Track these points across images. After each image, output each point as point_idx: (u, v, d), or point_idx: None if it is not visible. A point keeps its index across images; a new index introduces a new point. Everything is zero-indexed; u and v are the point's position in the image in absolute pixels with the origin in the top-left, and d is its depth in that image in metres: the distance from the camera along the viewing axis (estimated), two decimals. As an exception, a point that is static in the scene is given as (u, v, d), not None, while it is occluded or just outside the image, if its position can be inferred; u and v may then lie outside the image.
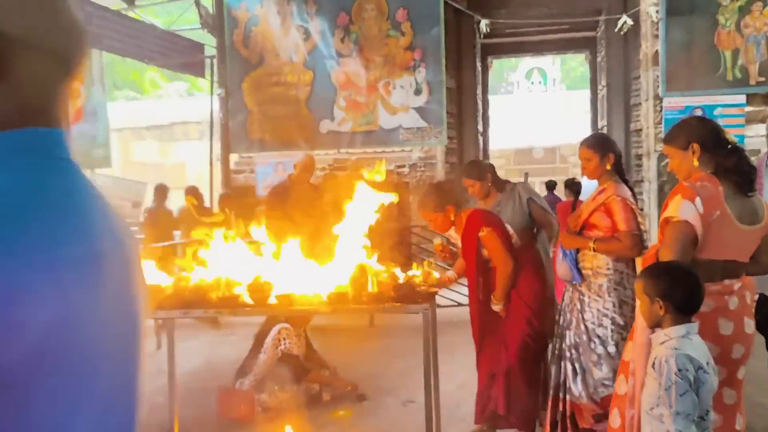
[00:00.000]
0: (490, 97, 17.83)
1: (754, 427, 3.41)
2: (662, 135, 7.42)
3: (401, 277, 2.66)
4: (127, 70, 26.44)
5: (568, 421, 3.31)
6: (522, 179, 11.84)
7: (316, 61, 8.86)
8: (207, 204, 7.95)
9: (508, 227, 3.70)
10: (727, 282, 2.36)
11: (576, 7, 9.90)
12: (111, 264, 0.73)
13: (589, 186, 3.43)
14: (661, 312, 2.04)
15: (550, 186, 11.76)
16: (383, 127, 8.67)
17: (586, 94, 13.61)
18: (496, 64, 25.03)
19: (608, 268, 3.19)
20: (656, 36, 8.08)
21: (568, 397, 3.32)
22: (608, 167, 3.25)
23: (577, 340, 3.28)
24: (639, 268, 2.60)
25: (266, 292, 2.35)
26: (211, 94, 8.81)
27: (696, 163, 2.45)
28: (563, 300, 3.43)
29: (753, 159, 3.37)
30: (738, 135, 7.82)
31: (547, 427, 3.37)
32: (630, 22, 8.59)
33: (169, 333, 3.19)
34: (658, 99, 8.15)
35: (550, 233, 4.03)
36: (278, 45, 8.93)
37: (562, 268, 3.27)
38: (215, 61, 8.60)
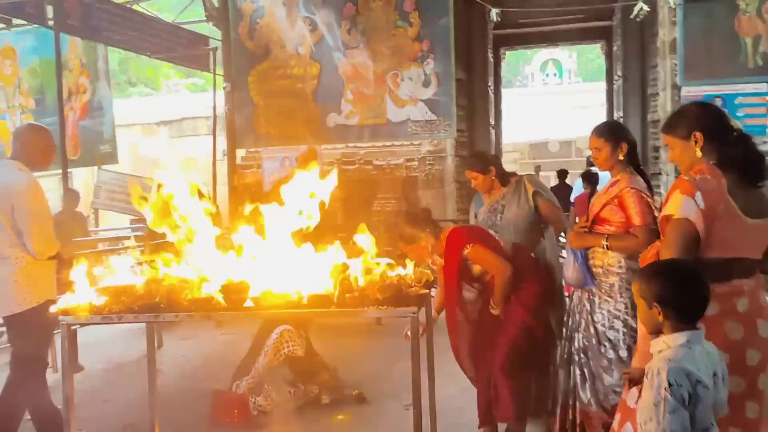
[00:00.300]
0: (505, 90, 17.60)
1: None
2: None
3: (393, 274, 2.47)
4: (142, 66, 26.54)
5: (577, 429, 3.11)
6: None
7: (322, 53, 8.67)
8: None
9: (492, 232, 3.51)
10: (735, 282, 2.16)
11: (591, -6, 9.61)
12: None
13: (607, 177, 3.18)
14: (660, 318, 1.82)
15: (562, 175, 11.51)
16: (391, 120, 8.47)
17: (603, 85, 13.27)
18: (510, 57, 24.69)
19: (620, 266, 2.97)
20: (674, 22, 7.77)
21: (577, 404, 3.11)
22: (621, 157, 3.01)
23: (586, 343, 3.07)
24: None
25: (241, 293, 2.18)
26: (214, 88, 8.66)
27: (699, 153, 2.26)
28: (572, 300, 3.22)
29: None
30: (760, 125, 7.51)
31: (556, 435, 3.18)
32: (646, 8, 8.28)
33: (149, 335, 3.03)
34: (676, 88, 7.85)
35: (559, 228, 3.81)
36: (284, 37, 8.76)
37: (571, 271, 3.05)
38: (218, 54, 8.43)
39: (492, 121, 10.79)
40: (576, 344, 3.13)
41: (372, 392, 4.34)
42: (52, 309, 2.31)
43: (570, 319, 3.21)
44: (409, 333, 3.40)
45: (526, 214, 3.73)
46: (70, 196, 8.11)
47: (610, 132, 3.09)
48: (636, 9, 8.44)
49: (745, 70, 7.49)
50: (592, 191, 6.91)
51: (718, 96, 7.45)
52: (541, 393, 3.65)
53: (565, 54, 21.91)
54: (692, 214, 2.10)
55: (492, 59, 10.93)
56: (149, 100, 15.73)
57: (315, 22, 8.65)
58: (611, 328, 2.98)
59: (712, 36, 7.56)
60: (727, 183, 2.16)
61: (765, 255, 2.24)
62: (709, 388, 1.72)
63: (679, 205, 2.13)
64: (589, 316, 3.05)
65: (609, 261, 2.98)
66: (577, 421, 3.09)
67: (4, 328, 6.08)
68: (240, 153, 9.58)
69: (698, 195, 2.11)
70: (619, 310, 2.97)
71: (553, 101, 20.01)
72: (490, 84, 10.62)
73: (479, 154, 4.19)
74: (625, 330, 2.95)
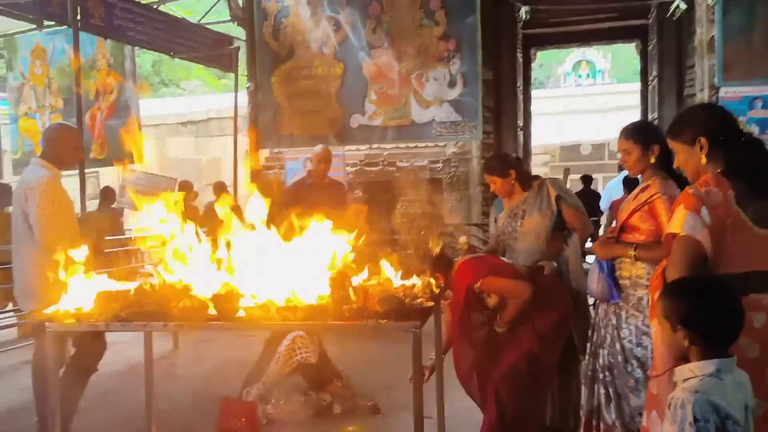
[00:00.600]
0: (535, 91, 17.25)
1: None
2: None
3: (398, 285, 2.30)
4: (175, 68, 26.86)
5: (601, 451, 2.90)
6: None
7: (346, 53, 8.56)
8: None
9: (505, 259, 3.31)
10: (753, 296, 1.97)
11: (625, -8, 9.31)
12: None
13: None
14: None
15: (587, 180, 11.16)
16: (416, 121, 8.30)
17: (637, 87, 12.86)
18: (542, 57, 24.24)
19: (649, 279, 2.74)
20: (712, 21, 7.43)
21: (601, 424, 2.90)
22: (652, 160, 2.79)
23: (612, 360, 2.86)
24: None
25: (234, 303, 2.05)
26: (236, 88, 8.60)
27: (704, 160, 2.12)
28: (597, 313, 3.01)
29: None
30: (804, 128, 7.12)
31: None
32: (684, 6, 7.96)
33: (147, 340, 2.93)
34: (714, 89, 7.51)
35: (583, 236, 3.59)
36: (308, 37, 8.67)
37: (595, 283, 2.84)
38: (240, 54, 8.37)
39: (520, 123, 10.52)
40: (601, 361, 2.92)
41: (386, 402, 4.18)
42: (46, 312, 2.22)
43: (595, 333, 3.00)
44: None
45: (548, 220, 3.53)
46: (106, 194, 8.15)
47: (640, 133, 2.87)
48: (673, 7, 8.12)
49: (788, 70, 7.12)
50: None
51: (757, 97, 7.11)
52: (563, 410, 3.46)
53: (599, 54, 21.40)
54: (698, 231, 1.97)
55: (521, 59, 10.66)
56: (177, 101, 15.83)
57: (339, 22, 8.54)
58: (639, 345, 2.77)
59: (752, 34, 7.20)
60: (736, 192, 2.00)
61: None
62: (740, 425, 1.51)
63: (683, 221, 2.00)
64: (615, 332, 2.84)
65: (637, 272, 2.77)
66: (601, 443, 2.89)
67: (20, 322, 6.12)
68: (264, 154, 9.52)
69: (704, 211, 1.98)
70: (648, 326, 2.75)
71: (585, 103, 19.56)
72: (518, 85, 10.36)
73: (499, 157, 3.99)
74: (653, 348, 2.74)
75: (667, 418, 1.59)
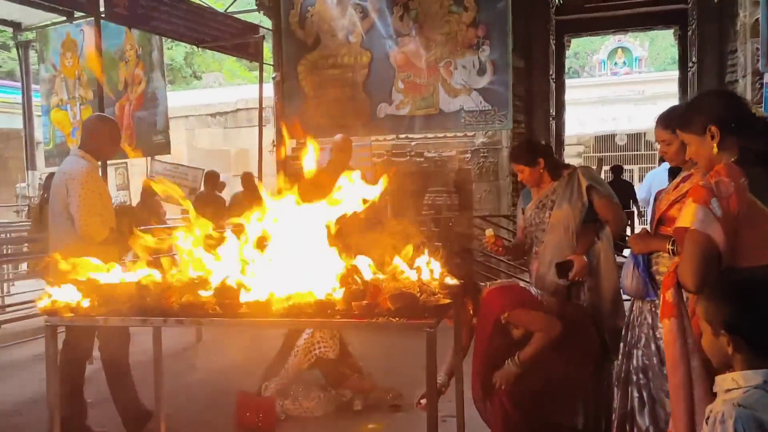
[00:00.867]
0: (570, 80, 16.80)
1: None
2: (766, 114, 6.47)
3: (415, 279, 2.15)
4: (207, 59, 27.08)
5: (634, 457, 2.72)
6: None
7: (373, 42, 8.39)
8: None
9: (533, 290, 3.14)
10: None
11: (663, -26, 8.93)
12: None
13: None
14: (729, 349, 1.44)
15: (617, 171, 10.79)
16: (444, 111, 8.10)
17: (676, 75, 12.39)
18: (577, 46, 23.73)
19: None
20: (756, 3, 7.05)
21: (635, 430, 2.71)
22: (695, 150, 2.59)
23: (647, 362, 2.67)
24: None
25: (236, 298, 1.93)
26: (260, 78, 8.52)
27: (716, 150, 2.00)
28: (631, 311, 2.81)
29: None
30: None
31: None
32: (726, -12, 7.58)
33: (155, 333, 2.84)
34: (757, 75, 7.14)
35: (617, 228, 3.39)
36: (335, 25, 8.53)
37: (630, 279, 2.65)
38: (265, 43, 8.28)
39: (553, 112, 10.22)
40: (635, 362, 2.73)
41: (408, 399, 4.03)
42: (40, 305, 2.14)
43: (629, 332, 2.80)
44: (422, 401, 3.17)
45: (578, 212, 3.34)
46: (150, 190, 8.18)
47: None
48: (714, -12, 7.75)
49: (838, 54, 6.71)
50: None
51: (806, 82, 6.72)
52: (596, 413, 3.28)
53: (635, 42, 20.77)
54: (709, 225, 1.87)
55: (554, 46, 10.35)
56: (205, 92, 15.88)
57: (366, 9, 8.38)
58: (675, 345, 2.57)
59: (801, 16, 6.80)
60: (751, 180, 1.88)
61: None
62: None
63: (693, 215, 1.90)
64: (651, 331, 2.65)
65: (675, 268, 2.56)
66: (634, 449, 2.70)
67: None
68: (290, 144, 9.44)
69: (714, 203, 1.87)
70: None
71: (621, 91, 19.03)
72: (551, 73, 10.06)
73: (526, 144, 3.80)
74: (692, 349, 2.54)
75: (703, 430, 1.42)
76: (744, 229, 1.87)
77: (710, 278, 1.86)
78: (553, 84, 10.26)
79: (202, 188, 8.72)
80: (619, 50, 20.74)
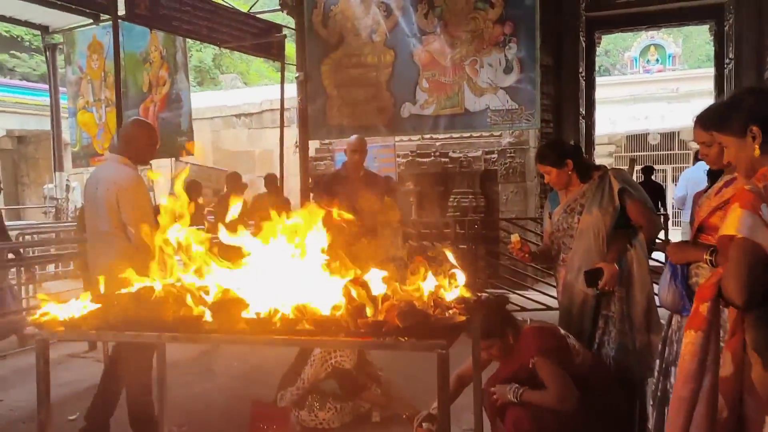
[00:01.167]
0: (601, 78, 16.40)
1: None
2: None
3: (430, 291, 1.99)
4: (235, 61, 27.26)
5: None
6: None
7: (397, 40, 8.23)
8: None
9: (572, 341, 2.94)
10: None
11: (699, -33, 8.60)
12: None
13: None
14: None
15: (648, 172, 10.43)
16: (469, 110, 7.90)
17: (711, 72, 11.97)
18: (608, 43, 23.21)
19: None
20: (800, -6, 6.72)
21: (670, 451, 2.51)
22: (738, 152, 2.37)
23: (684, 381, 2.46)
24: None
25: (234, 313, 1.79)
26: (282, 77, 8.42)
27: (757, 151, 1.84)
28: (669, 325, 2.61)
29: None
30: None
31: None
32: (766, -21, 7.23)
33: (160, 350, 2.72)
34: (800, 71, 6.80)
35: (651, 234, 3.17)
36: (358, 24, 8.39)
37: (666, 291, 2.45)
38: (288, 43, 8.18)
39: (582, 111, 9.95)
40: (672, 380, 2.52)
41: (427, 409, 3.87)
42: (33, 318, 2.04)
43: (666, 348, 2.59)
44: (423, 425, 3.04)
45: (609, 216, 3.14)
46: (193, 187, 8.16)
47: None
48: (753, -19, 7.40)
49: None
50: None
51: None
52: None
53: (669, 38, 20.22)
54: (758, 233, 1.70)
55: (584, 44, 10.06)
56: (231, 93, 15.90)
57: (390, 8, 8.23)
58: (716, 364, 2.36)
59: None
60: None
61: None
62: None
63: (739, 222, 1.73)
64: (688, 348, 2.44)
65: (716, 280, 2.35)
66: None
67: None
68: (314, 145, 9.35)
69: (764, 209, 1.71)
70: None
71: (654, 89, 18.54)
72: (581, 71, 9.78)
73: (553, 144, 3.61)
74: (733, 368, 2.32)
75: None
76: None
77: (759, 292, 1.68)
78: (583, 82, 9.98)
79: (225, 190, 8.67)
80: (652, 47, 20.22)
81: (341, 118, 8.59)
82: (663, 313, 2.72)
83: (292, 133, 9.89)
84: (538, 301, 6.53)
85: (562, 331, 2.96)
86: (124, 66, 9.67)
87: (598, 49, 11.96)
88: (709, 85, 12.32)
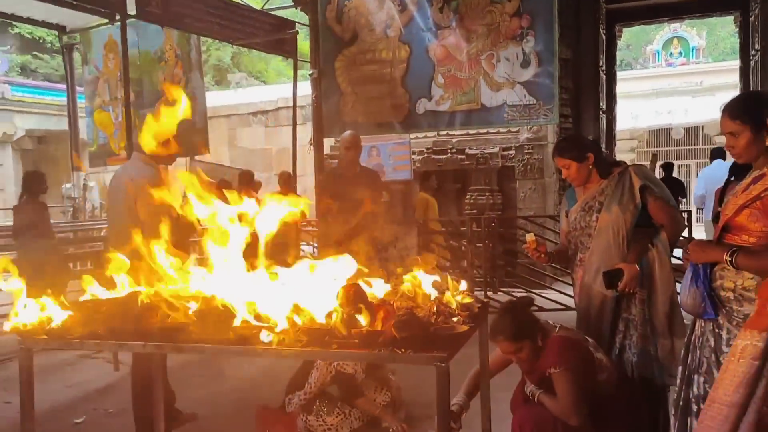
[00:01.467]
0: (622, 72, 16.07)
1: None
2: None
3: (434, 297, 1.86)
4: (253, 60, 27.32)
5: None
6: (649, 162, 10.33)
7: (412, 35, 8.09)
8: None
9: (600, 356, 2.80)
10: None
11: (724, -45, 8.32)
12: None
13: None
14: None
15: (668, 168, 10.17)
16: (486, 105, 7.73)
17: (736, 64, 11.62)
18: (630, 37, 22.78)
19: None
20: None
21: (693, 464, 2.36)
22: (768, 144, 2.20)
23: (709, 390, 2.30)
24: None
25: (220, 323, 1.68)
26: (294, 74, 8.33)
27: None
28: (692, 330, 2.45)
29: None
30: None
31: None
32: (795, -34, 6.95)
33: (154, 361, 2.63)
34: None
35: (673, 234, 3.00)
36: (372, 19, 8.27)
37: (687, 294, 2.29)
38: (300, 39, 8.09)
39: (603, 106, 9.71)
40: (695, 389, 2.37)
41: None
42: (6, 327, 1.95)
43: (689, 355, 2.43)
44: None
45: (630, 215, 2.97)
46: (224, 185, 8.13)
47: (751, 109, 2.24)
48: (781, -32, 7.12)
49: None
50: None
51: None
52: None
53: (692, 31, 19.76)
54: None
55: (604, 37, 9.82)
56: (247, 91, 15.89)
57: (404, 2, 8.09)
58: (743, 372, 2.20)
59: None
60: None
61: None
62: None
63: None
64: (713, 356, 2.28)
65: (744, 283, 2.18)
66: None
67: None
68: (329, 142, 9.24)
69: None
70: (757, 351, 2.17)
71: (677, 83, 18.14)
72: (601, 64, 9.54)
73: (573, 138, 3.44)
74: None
75: None
76: None
77: None
78: (604, 76, 9.74)
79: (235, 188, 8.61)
80: (675, 40, 19.78)
81: (356, 115, 8.47)
82: (688, 316, 2.56)
83: (307, 131, 9.80)
84: (556, 301, 6.36)
85: (591, 344, 2.81)
86: (139, 65, 9.69)
87: (619, 42, 11.69)
88: (734, 78, 11.97)
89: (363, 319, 1.59)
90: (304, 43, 10.20)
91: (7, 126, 15.10)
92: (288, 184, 8.48)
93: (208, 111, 10.80)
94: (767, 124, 2.16)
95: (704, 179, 7.55)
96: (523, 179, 8.21)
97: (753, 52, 9.59)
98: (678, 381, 2.50)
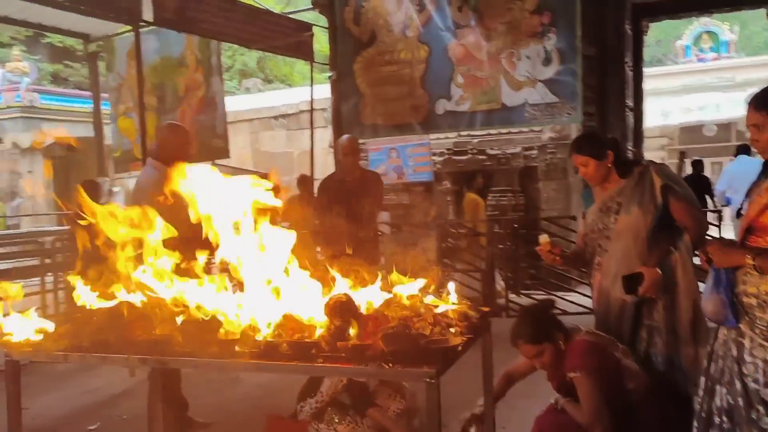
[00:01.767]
0: (650, 69, 15.66)
1: None
2: None
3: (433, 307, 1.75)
4: (278, 64, 27.48)
5: None
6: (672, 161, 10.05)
7: (431, 35, 8.00)
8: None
9: (629, 362, 2.66)
10: None
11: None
12: None
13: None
14: None
15: (696, 165, 9.85)
16: (506, 105, 7.59)
17: (770, 57, 11.25)
18: (658, 33, 22.27)
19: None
20: None
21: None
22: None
23: (732, 402, 2.16)
24: None
25: (205, 335, 1.60)
26: (311, 76, 8.28)
27: None
28: (715, 338, 2.30)
29: None
30: None
31: None
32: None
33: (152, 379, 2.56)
34: None
35: (697, 236, 2.84)
36: (391, 20, 8.20)
37: (708, 301, 2.15)
38: (321, 44, 8.04)
39: (630, 103, 9.45)
40: (717, 401, 2.23)
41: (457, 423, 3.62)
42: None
43: (712, 364, 2.29)
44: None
45: (651, 216, 2.83)
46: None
47: None
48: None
49: None
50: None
51: None
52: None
53: (723, 25, 19.21)
54: None
55: (630, 32, 9.56)
56: (269, 95, 15.95)
57: (423, 2, 8.00)
58: (768, 385, 2.05)
59: None
60: None
61: None
62: None
63: None
64: (736, 366, 2.14)
65: (768, 288, 2.04)
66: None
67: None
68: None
69: None
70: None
71: (708, 79, 17.65)
72: (627, 60, 9.29)
73: (592, 134, 3.31)
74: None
75: None
76: None
77: None
78: (630, 72, 9.48)
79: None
80: (705, 35, 19.25)
81: (375, 117, 8.41)
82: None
83: (328, 134, 9.76)
84: (580, 304, 6.18)
85: (620, 350, 2.67)
86: (161, 70, 9.76)
87: (646, 38, 11.38)
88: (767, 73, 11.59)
89: (351, 332, 1.51)
90: (324, 46, 10.18)
91: (36, 134, 15.42)
92: (306, 186, 8.45)
93: (231, 115, 10.85)
94: None
95: (727, 175, 7.29)
96: (546, 179, 8.03)
97: (787, 45, 9.25)
98: (701, 392, 2.36)
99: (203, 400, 4.22)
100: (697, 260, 2.45)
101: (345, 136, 4.76)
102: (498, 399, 2.93)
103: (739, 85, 16.54)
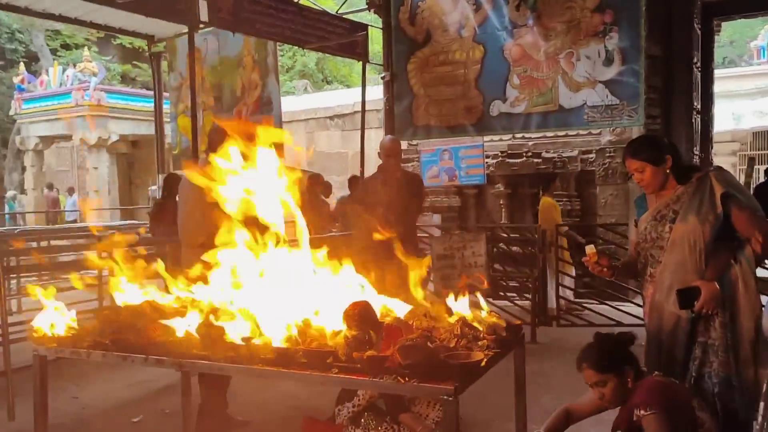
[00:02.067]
0: (721, 70, 14.91)
1: None
2: None
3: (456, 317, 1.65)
4: (337, 64, 27.76)
5: None
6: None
7: (487, 35, 7.85)
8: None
9: (703, 414, 2.46)
10: None
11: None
12: None
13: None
14: None
15: None
16: (564, 107, 7.36)
17: None
18: (732, 32, 21.22)
19: None
20: None
21: None
22: None
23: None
24: None
25: (221, 339, 1.56)
26: (363, 76, 8.25)
27: None
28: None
29: None
30: None
31: None
32: None
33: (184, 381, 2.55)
34: None
35: (761, 247, 2.62)
36: (446, 20, 8.10)
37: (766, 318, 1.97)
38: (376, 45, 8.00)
39: (697, 106, 8.99)
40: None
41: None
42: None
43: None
44: None
45: (709, 226, 2.63)
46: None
47: None
48: None
49: None
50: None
51: None
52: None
53: (804, 24, 18.13)
54: None
55: (700, 31, 9.10)
56: (325, 95, 16.07)
57: (480, 1, 7.86)
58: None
59: None
60: None
61: None
62: None
63: None
64: (800, 393, 1.94)
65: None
66: None
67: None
68: (402, 145, 9.11)
69: None
70: None
71: (785, 81, 16.66)
72: (695, 61, 8.84)
73: (649, 138, 3.11)
74: None
75: None
76: None
77: None
78: (698, 74, 9.02)
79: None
80: (782, 34, 18.21)
81: (428, 118, 8.32)
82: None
83: (381, 135, 9.71)
84: (636, 316, 5.90)
85: (696, 401, 2.49)
86: (220, 70, 9.97)
87: (719, 38, 10.81)
88: None
89: (372, 341, 1.43)
90: (378, 47, 10.16)
91: (102, 131, 16.06)
92: (356, 187, 8.43)
93: (287, 115, 10.97)
94: None
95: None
96: (603, 184, 7.73)
97: None
98: (759, 417, 2.17)
99: (242, 399, 4.23)
100: (760, 272, 2.25)
101: (387, 137, 4.71)
102: None
103: (820, 88, 15.54)
